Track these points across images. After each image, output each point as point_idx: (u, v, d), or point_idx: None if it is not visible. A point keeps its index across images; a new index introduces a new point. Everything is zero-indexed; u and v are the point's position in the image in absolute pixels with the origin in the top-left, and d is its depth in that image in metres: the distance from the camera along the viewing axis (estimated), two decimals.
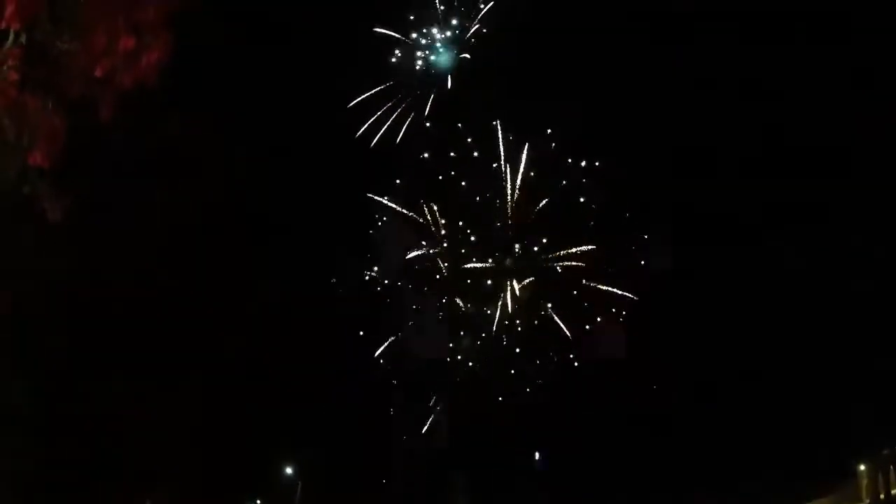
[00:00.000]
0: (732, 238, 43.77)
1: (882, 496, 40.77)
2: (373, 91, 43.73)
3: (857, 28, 40.10)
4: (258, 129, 37.34)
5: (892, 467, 40.22)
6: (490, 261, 45.46)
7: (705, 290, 42.94)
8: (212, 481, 36.79)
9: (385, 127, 43.95)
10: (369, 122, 43.73)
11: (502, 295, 45.09)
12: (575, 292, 45.29)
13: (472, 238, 45.40)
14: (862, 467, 41.82)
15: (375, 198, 44.67)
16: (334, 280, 42.32)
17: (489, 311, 45.11)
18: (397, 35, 43.84)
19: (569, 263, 45.13)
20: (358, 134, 43.29)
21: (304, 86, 39.85)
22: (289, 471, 41.77)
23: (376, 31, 43.34)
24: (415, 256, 45.06)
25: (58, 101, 16.15)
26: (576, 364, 44.68)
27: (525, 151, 44.96)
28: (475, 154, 45.04)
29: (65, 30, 15.60)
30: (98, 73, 14.22)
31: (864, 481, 41.78)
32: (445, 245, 45.27)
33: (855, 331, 40.47)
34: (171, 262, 34.39)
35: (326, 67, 40.10)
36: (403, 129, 44.09)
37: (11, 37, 15.27)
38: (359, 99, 43.04)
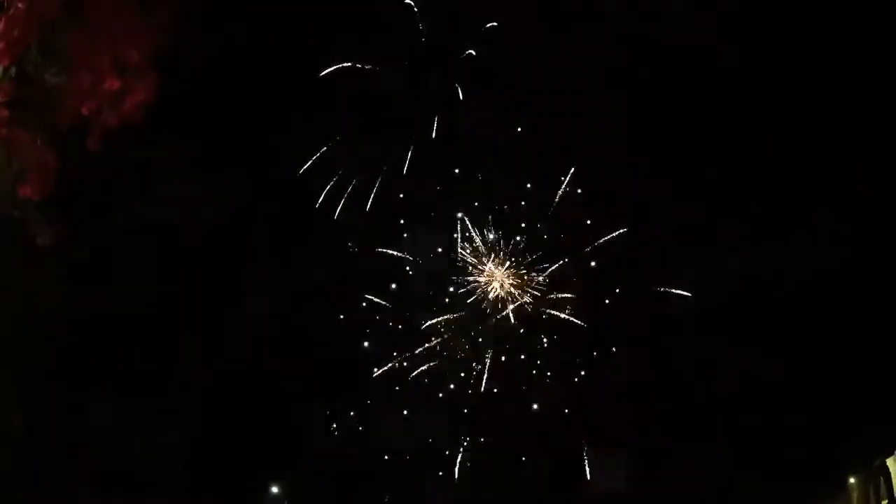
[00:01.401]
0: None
1: None
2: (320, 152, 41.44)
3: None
4: (251, 151, 37.40)
5: (881, 479, 40.33)
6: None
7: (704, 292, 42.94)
8: (197, 499, 36.83)
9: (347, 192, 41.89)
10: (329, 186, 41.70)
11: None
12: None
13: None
14: (852, 479, 41.92)
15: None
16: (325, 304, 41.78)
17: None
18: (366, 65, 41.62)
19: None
20: (318, 203, 42.13)
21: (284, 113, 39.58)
22: (275, 490, 41.76)
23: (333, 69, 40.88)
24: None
25: (47, 134, 16.43)
26: None
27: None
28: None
29: (53, 63, 15.88)
30: (85, 111, 14.56)
31: (855, 493, 41.89)
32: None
33: (847, 341, 40.48)
34: (163, 281, 34.49)
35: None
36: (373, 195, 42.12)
37: (1, 72, 15.54)
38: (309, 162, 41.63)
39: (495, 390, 43.28)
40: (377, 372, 42.77)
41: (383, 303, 43.13)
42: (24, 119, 15.48)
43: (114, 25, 14.53)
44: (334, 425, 42.35)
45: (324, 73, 40.21)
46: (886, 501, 39.80)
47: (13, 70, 15.33)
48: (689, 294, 42.64)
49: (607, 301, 43.38)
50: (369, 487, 42.22)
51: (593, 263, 43.56)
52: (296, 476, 41.29)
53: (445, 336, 43.48)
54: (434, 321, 43.25)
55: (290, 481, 41.51)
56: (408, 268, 43.40)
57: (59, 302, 29.75)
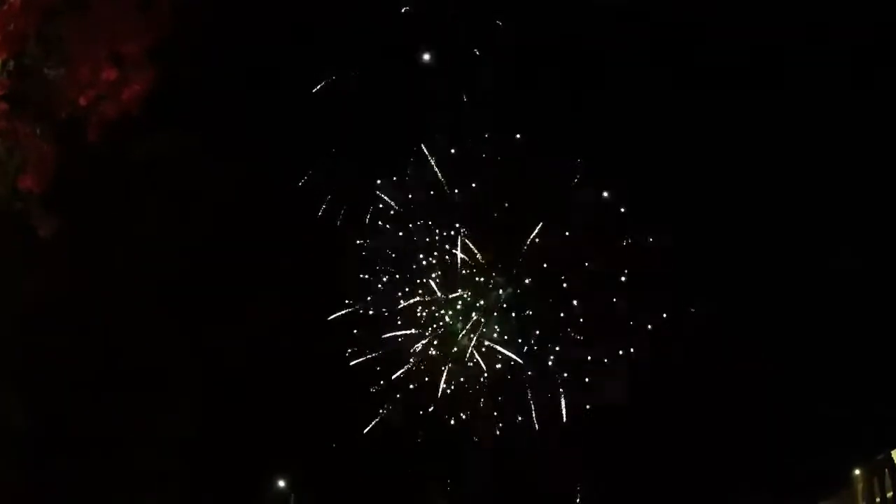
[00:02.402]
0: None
1: (877, 500, 40.91)
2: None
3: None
4: (249, 147, 37.44)
5: (886, 471, 40.35)
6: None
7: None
8: (203, 494, 36.88)
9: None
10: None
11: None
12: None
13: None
14: (857, 472, 41.93)
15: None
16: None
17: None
18: None
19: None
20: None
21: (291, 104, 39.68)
22: (281, 483, 41.78)
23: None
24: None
25: (47, 126, 16.58)
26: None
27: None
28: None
29: (52, 57, 16.02)
30: (83, 101, 14.71)
31: (860, 486, 41.90)
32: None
33: (850, 332, 40.48)
34: (165, 276, 34.56)
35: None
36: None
37: (0, 65, 15.67)
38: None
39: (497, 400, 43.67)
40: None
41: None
42: (24, 112, 15.60)
43: (112, 18, 14.65)
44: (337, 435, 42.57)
45: (317, 88, 40.65)
46: (891, 493, 39.82)
47: (11, 64, 15.42)
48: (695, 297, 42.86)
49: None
50: (370, 481, 42.30)
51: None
52: (302, 470, 41.32)
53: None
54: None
55: (296, 475, 41.54)
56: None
57: (60, 297, 29.84)
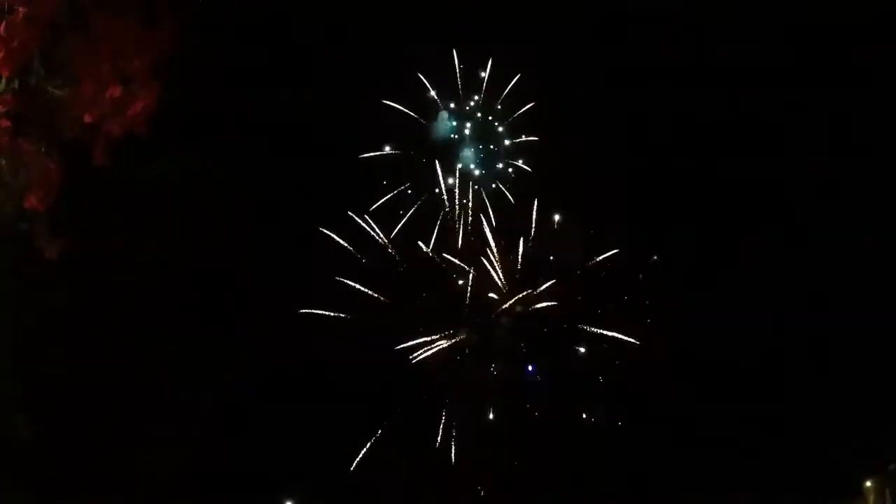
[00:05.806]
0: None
1: None
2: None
3: None
4: (258, 166, 37.58)
5: None
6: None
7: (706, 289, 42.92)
8: None
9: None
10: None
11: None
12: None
13: None
14: (868, 483, 41.73)
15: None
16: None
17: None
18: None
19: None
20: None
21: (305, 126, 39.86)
22: None
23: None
24: None
25: (52, 144, 16.47)
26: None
27: None
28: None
29: (57, 76, 15.93)
30: (88, 119, 14.60)
31: (871, 497, 41.69)
32: None
33: (862, 340, 40.37)
34: (172, 290, 34.57)
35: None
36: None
37: (4, 83, 15.57)
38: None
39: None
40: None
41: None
42: (28, 130, 15.49)
43: (116, 34, 14.58)
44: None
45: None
46: None
47: (16, 82, 15.30)
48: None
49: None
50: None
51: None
52: (311, 489, 41.13)
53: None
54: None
55: (304, 494, 41.36)
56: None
57: (69, 312, 29.91)
